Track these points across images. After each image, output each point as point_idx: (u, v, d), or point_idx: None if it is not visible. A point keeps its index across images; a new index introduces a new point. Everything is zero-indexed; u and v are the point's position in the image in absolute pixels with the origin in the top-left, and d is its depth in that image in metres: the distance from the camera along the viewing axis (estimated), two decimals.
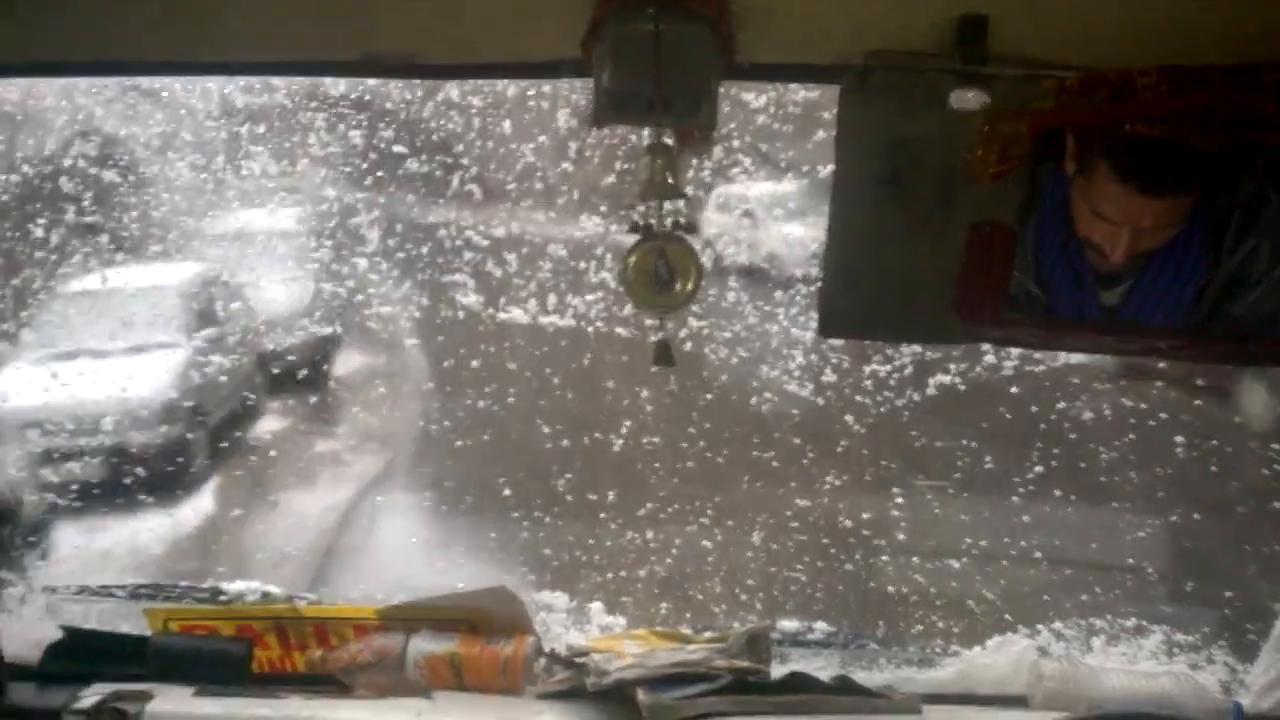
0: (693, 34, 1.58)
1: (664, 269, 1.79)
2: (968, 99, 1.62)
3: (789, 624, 2.34)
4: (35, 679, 2.03)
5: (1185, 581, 5.38)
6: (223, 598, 2.33)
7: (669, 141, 1.75)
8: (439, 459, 7.55)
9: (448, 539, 6.57)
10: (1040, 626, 2.31)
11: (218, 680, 1.98)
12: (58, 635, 2.10)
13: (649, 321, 1.91)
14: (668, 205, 1.76)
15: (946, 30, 1.61)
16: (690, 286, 1.78)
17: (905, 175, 1.70)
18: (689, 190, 1.81)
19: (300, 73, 1.88)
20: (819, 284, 1.83)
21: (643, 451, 7.47)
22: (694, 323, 5.94)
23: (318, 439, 8.07)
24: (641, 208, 1.77)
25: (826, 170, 1.94)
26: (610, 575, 5.74)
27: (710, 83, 1.65)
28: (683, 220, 1.77)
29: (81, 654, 2.07)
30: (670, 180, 1.75)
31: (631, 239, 1.78)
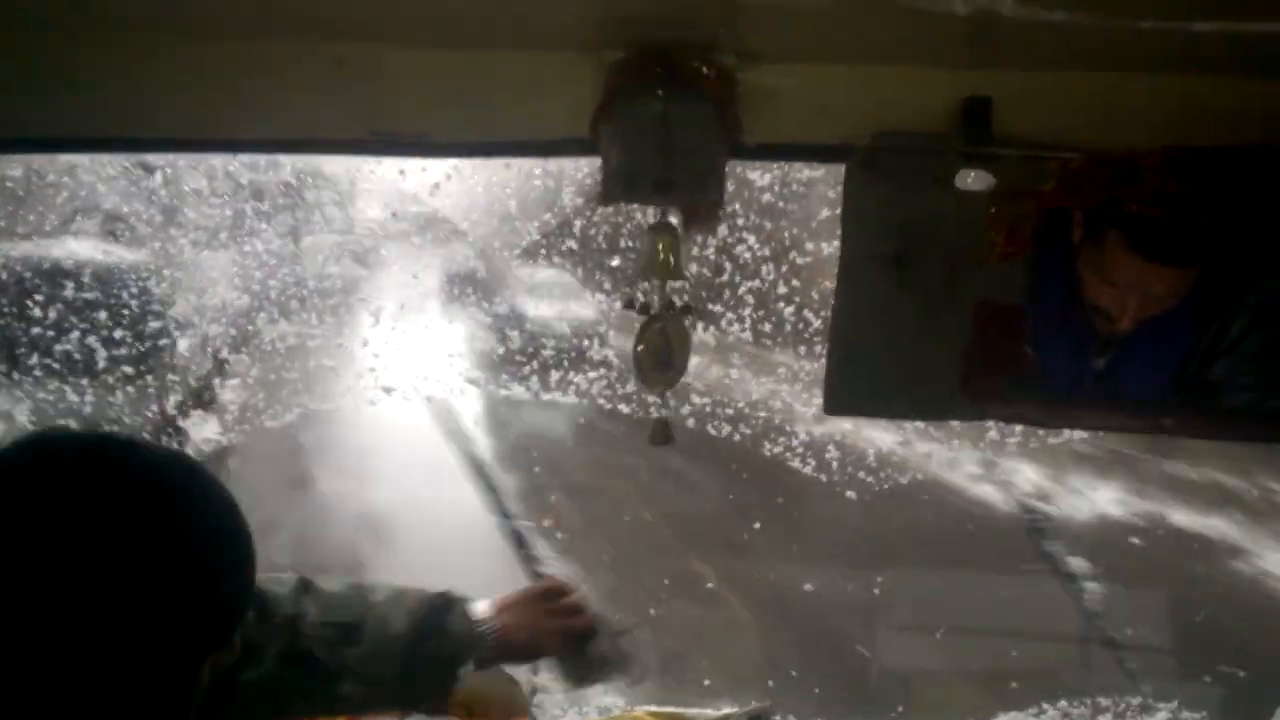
0: (700, 114, 1.60)
1: (665, 349, 1.80)
2: (973, 180, 1.64)
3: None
4: None
5: (1192, 658, 5.31)
6: None
7: (673, 221, 1.77)
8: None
9: None
10: (1045, 705, 2.27)
11: None
12: None
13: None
14: (670, 285, 1.78)
15: (951, 112, 1.64)
16: (684, 362, 1.80)
17: (911, 255, 1.71)
18: (691, 269, 1.82)
19: (309, 151, 1.90)
20: (824, 362, 1.82)
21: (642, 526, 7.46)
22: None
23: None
24: (644, 286, 1.78)
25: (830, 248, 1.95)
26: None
27: (717, 162, 1.67)
28: (680, 301, 1.79)
29: None
30: (673, 261, 1.76)
31: (635, 317, 1.80)
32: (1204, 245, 1.63)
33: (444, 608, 1.70)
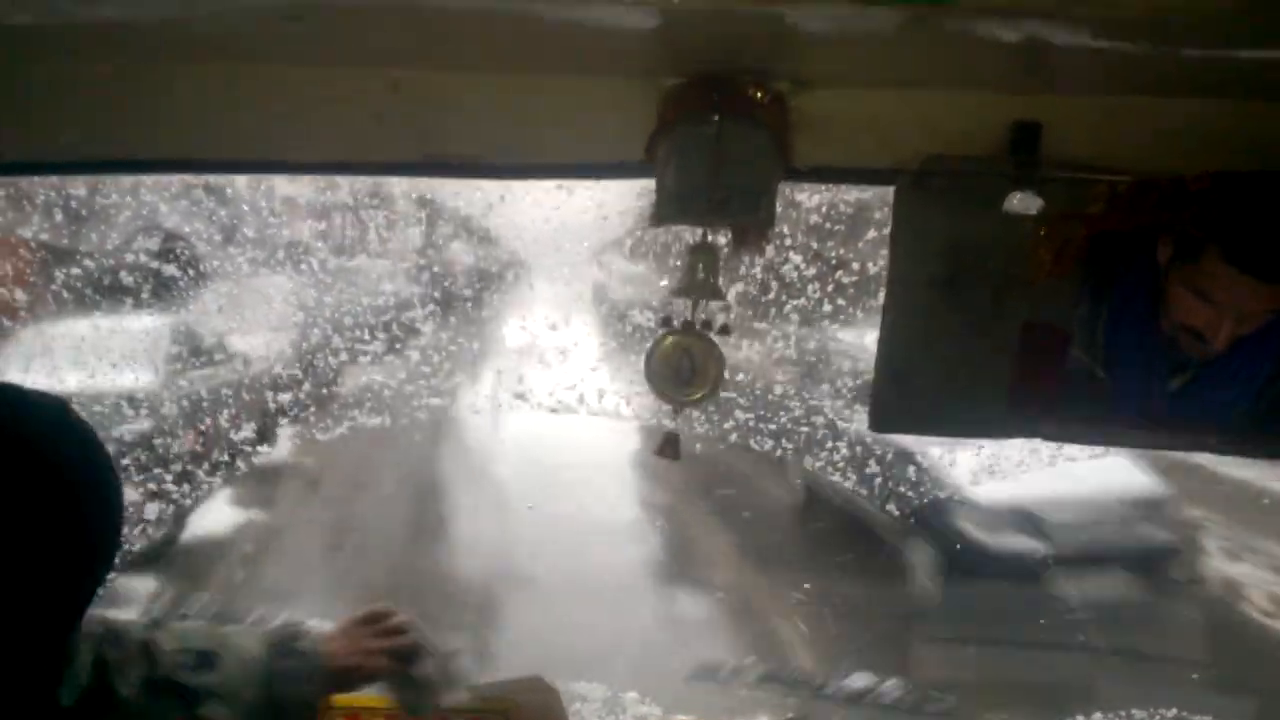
0: (753, 137, 1.64)
1: (687, 367, 1.83)
2: (1021, 203, 1.66)
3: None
4: None
5: (1229, 670, 5.24)
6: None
7: (716, 241, 1.80)
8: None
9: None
10: (1080, 717, 2.26)
11: None
12: None
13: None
14: (706, 305, 1.81)
15: (1001, 136, 1.66)
16: (707, 391, 1.83)
17: (960, 277, 1.73)
18: (734, 291, 1.85)
19: (364, 173, 1.94)
20: (872, 380, 1.85)
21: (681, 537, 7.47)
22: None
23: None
24: (681, 304, 1.82)
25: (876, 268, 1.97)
26: (645, 663, 5.67)
27: (769, 184, 1.71)
28: (717, 322, 1.82)
29: None
30: (711, 281, 1.80)
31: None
32: None
33: (294, 631, 1.79)
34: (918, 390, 1.83)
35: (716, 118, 1.60)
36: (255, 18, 1.48)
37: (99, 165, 2.06)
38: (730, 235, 1.80)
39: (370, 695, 2.14)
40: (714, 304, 1.83)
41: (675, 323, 1.84)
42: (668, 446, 1.91)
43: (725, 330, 1.85)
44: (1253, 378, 1.75)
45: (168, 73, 1.70)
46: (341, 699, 2.13)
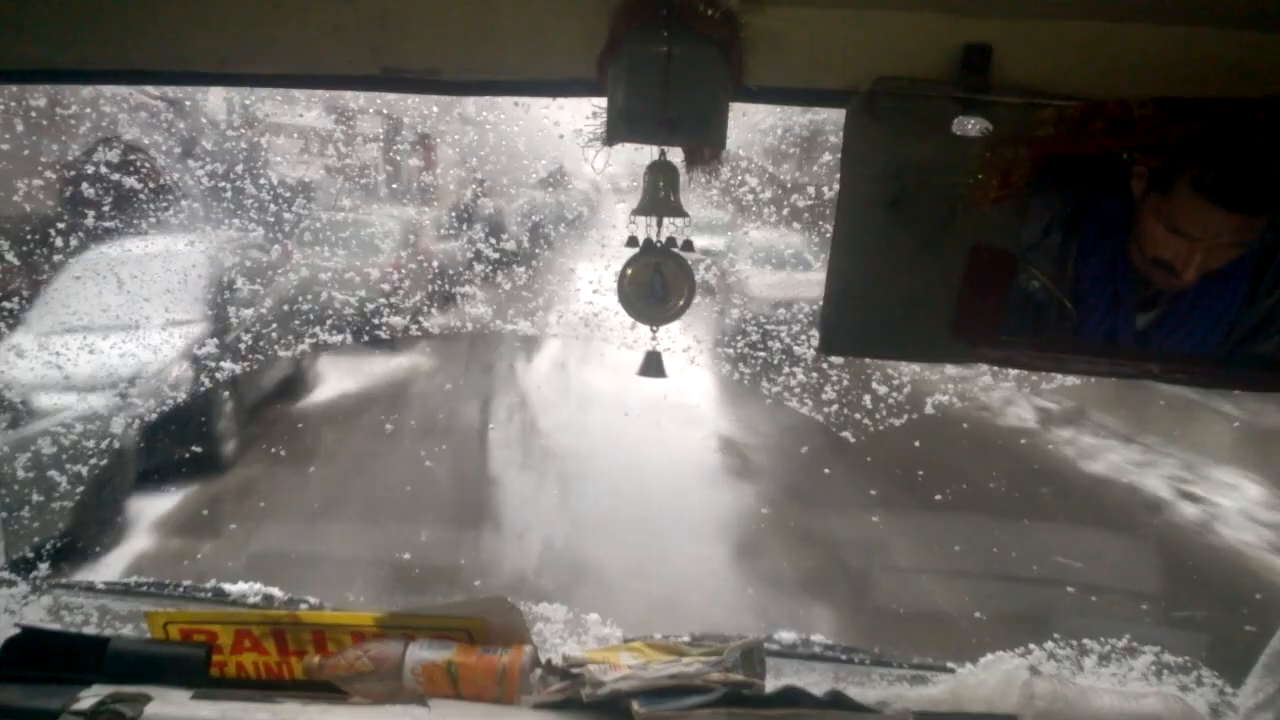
0: (703, 56, 1.63)
1: (659, 284, 1.84)
2: (970, 125, 1.66)
3: (785, 635, 2.36)
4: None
5: (1176, 601, 5.39)
6: (225, 598, 2.37)
7: (673, 161, 1.80)
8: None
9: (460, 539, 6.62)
10: (1032, 645, 2.32)
11: (174, 685, 1.96)
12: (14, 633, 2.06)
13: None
14: (668, 223, 1.82)
15: (951, 58, 1.66)
16: (683, 302, 1.85)
17: (908, 198, 1.74)
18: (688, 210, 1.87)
19: (321, 86, 1.92)
20: (821, 303, 1.86)
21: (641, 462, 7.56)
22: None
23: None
24: (643, 222, 1.83)
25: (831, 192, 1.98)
26: (607, 587, 5.77)
27: (719, 104, 1.70)
28: (680, 239, 1.83)
29: (38, 654, 2.02)
30: (672, 198, 1.80)
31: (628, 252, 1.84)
32: (1274, 193, 1.65)
33: None
34: (867, 313, 1.85)
35: (665, 34, 1.58)
36: None
37: (57, 74, 2.04)
38: (684, 155, 1.80)
39: (339, 612, 2.18)
40: (678, 220, 1.84)
41: (636, 240, 1.85)
42: (651, 365, 1.93)
43: (689, 246, 1.87)
44: (1220, 315, 1.78)
45: None
46: (308, 615, 2.17)
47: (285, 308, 7.08)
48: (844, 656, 2.31)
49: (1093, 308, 1.80)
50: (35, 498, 4.48)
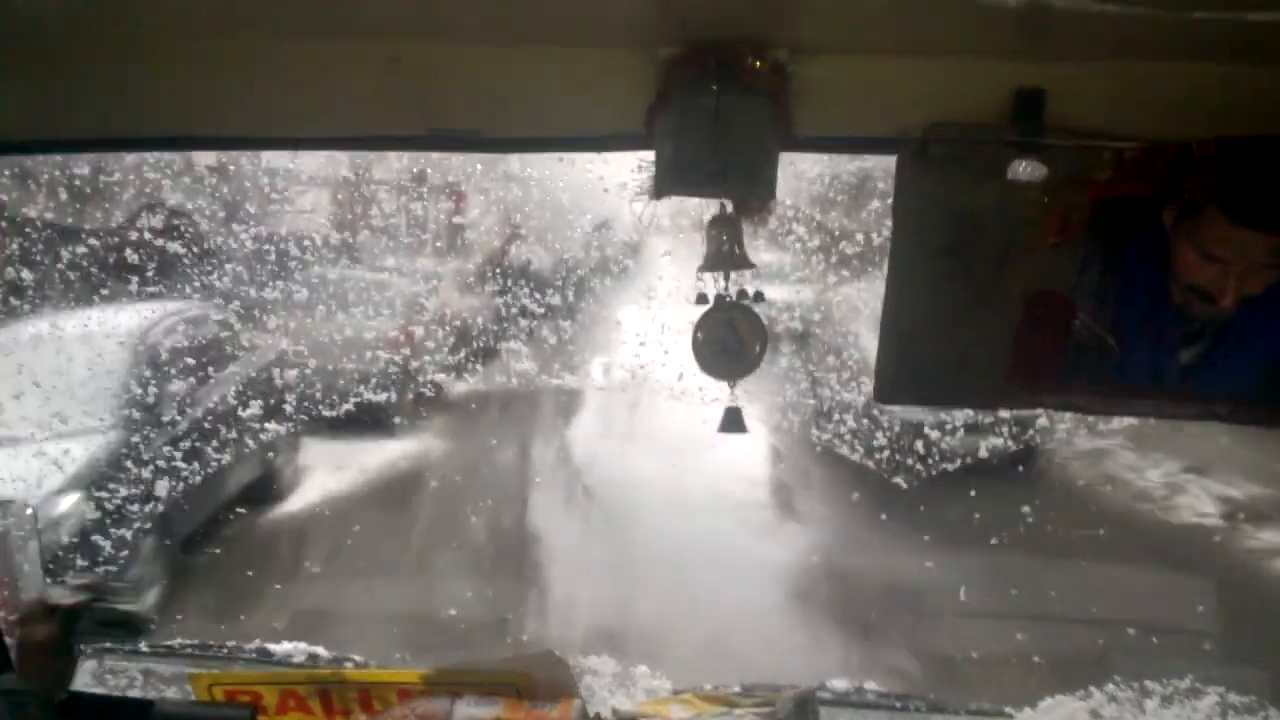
0: (752, 107, 1.63)
1: (733, 339, 1.83)
2: (1025, 170, 1.64)
3: (839, 684, 2.31)
4: None
5: (1242, 642, 5.23)
6: (270, 658, 2.35)
7: (734, 213, 1.79)
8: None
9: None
10: (1092, 688, 2.26)
11: None
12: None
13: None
14: (734, 276, 1.81)
15: (1002, 103, 1.64)
16: (758, 352, 1.83)
17: (963, 245, 1.72)
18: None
19: (368, 147, 1.94)
20: (877, 351, 1.84)
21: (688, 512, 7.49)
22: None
23: None
24: (709, 278, 1.81)
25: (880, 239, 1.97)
26: (656, 637, 5.69)
27: (769, 154, 1.69)
28: (750, 290, 1.81)
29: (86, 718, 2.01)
30: (737, 251, 1.79)
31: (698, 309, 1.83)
32: None
33: None
34: (922, 361, 1.82)
35: (714, 87, 1.58)
36: None
37: (103, 143, 2.07)
38: (733, 206, 1.79)
39: (385, 670, 2.16)
40: (745, 273, 1.83)
41: (706, 297, 1.84)
42: (732, 421, 1.91)
43: (759, 297, 1.86)
44: (1268, 348, 1.73)
45: (170, 53, 1.69)
46: (354, 673, 2.15)
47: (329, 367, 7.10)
48: (899, 704, 2.26)
49: (1134, 344, 1.76)
50: None
